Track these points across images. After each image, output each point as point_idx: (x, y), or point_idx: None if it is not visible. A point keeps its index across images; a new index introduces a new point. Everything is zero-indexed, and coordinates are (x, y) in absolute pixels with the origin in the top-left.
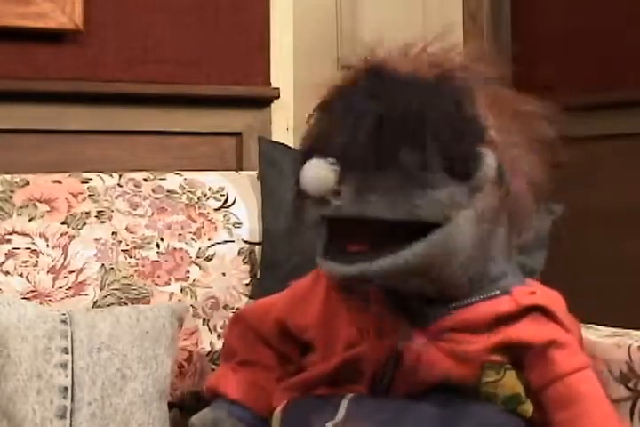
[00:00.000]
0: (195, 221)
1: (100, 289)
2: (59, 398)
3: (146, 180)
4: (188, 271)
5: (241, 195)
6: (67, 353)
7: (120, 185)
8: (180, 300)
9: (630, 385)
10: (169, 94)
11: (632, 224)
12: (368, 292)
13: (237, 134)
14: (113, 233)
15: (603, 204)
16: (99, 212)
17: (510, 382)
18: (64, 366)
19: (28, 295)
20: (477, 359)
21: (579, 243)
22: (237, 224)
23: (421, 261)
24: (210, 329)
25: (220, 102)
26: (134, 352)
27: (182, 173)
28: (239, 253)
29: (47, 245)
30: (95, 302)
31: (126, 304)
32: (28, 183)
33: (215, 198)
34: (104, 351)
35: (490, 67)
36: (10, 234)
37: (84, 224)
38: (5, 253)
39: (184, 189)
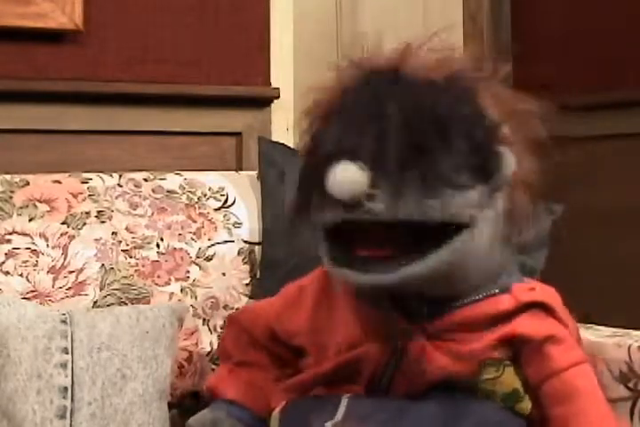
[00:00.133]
0: (195, 221)
1: (100, 289)
2: (59, 398)
3: (146, 180)
4: (188, 271)
5: (241, 195)
6: (67, 353)
7: (120, 185)
8: (179, 300)
9: (630, 385)
10: (169, 94)
11: (632, 224)
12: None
13: (237, 134)
14: (113, 233)
15: (603, 204)
16: (99, 212)
17: (509, 379)
18: (64, 366)
19: (28, 295)
20: (477, 357)
21: (579, 243)
22: (237, 224)
23: (448, 263)
24: (210, 329)
25: (220, 102)
26: (134, 352)
27: (182, 173)
28: (239, 253)
29: (47, 245)
30: (95, 302)
31: (126, 304)
32: (27, 183)
33: (215, 198)
34: (104, 351)
35: (491, 66)
36: (10, 234)
37: (84, 224)
38: (5, 253)
39: (184, 189)
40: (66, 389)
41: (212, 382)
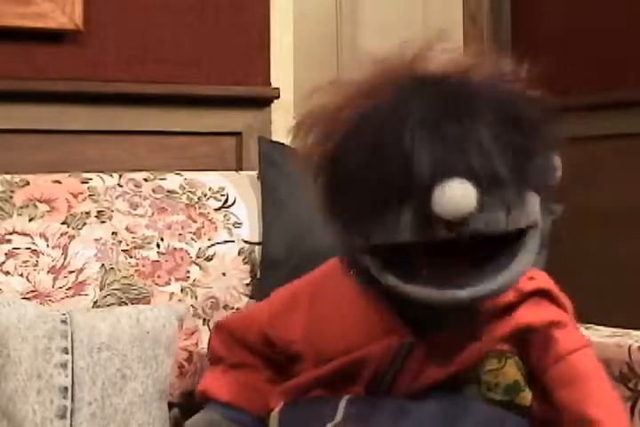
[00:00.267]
0: (195, 221)
1: (100, 289)
2: (59, 398)
3: (146, 180)
4: (189, 271)
5: (241, 195)
6: (67, 353)
7: (120, 185)
8: (180, 300)
9: (630, 385)
10: (169, 94)
11: (632, 224)
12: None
13: (237, 134)
14: (113, 233)
15: (603, 204)
16: (99, 212)
17: (511, 371)
18: (64, 366)
19: (28, 295)
20: (480, 351)
21: (579, 243)
22: (237, 224)
23: (504, 288)
24: (210, 329)
25: (220, 102)
26: (134, 352)
27: (182, 173)
28: (239, 253)
29: (47, 245)
30: (95, 302)
31: (126, 304)
32: (28, 183)
33: (215, 198)
34: (104, 351)
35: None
36: (10, 234)
37: (84, 224)
38: (5, 253)
39: (184, 189)
40: (66, 389)
41: (204, 385)
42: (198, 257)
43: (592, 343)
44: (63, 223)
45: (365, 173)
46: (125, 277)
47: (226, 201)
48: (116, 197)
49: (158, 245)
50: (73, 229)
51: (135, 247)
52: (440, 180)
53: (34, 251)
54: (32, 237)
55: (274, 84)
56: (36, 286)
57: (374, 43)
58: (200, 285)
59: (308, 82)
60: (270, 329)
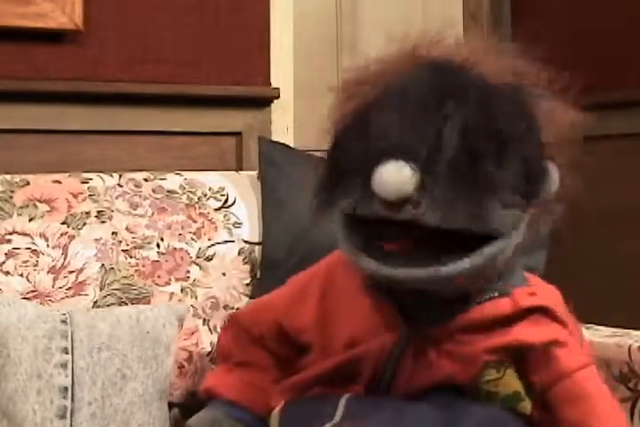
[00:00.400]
0: (195, 221)
1: (100, 289)
2: (59, 398)
3: (146, 180)
4: (189, 271)
5: (241, 195)
6: (67, 353)
7: (120, 185)
8: (180, 300)
9: (630, 385)
10: (169, 94)
11: (632, 224)
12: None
13: (237, 134)
14: (113, 233)
15: (603, 204)
16: (99, 212)
17: (510, 381)
18: (64, 366)
19: (28, 295)
20: (478, 360)
21: (579, 243)
22: (237, 224)
23: (476, 270)
24: (210, 329)
25: (220, 102)
26: (134, 352)
27: (182, 173)
28: (239, 253)
29: (47, 245)
30: (95, 302)
31: (126, 304)
32: (28, 183)
33: (215, 198)
34: (104, 351)
35: (546, 75)
36: (10, 234)
37: (84, 224)
38: (5, 253)
39: (184, 189)
40: (66, 389)
41: (208, 383)
42: (198, 257)
43: (592, 343)
44: (63, 223)
45: (340, 144)
46: (125, 277)
47: (226, 201)
48: (116, 197)
49: (158, 245)
50: (73, 229)
51: (135, 247)
52: (385, 160)
53: (34, 251)
54: (32, 237)
55: (274, 84)
56: (36, 286)
57: (374, 43)
58: (200, 285)
59: (307, 82)
60: (285, 318)
